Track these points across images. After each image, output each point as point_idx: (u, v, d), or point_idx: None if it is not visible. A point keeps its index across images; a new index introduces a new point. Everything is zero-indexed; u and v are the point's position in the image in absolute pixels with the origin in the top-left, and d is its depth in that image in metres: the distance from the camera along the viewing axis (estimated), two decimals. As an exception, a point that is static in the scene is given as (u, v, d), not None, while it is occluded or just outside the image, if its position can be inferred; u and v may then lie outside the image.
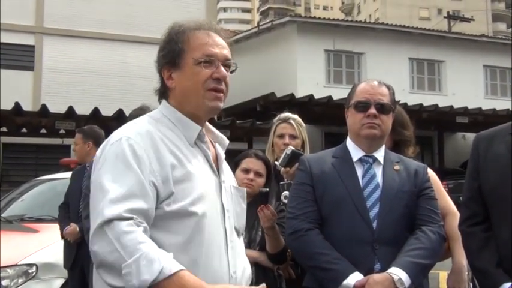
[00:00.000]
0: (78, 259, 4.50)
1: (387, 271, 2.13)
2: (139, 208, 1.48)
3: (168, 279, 1.38)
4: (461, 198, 2.31)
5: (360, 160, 2.37)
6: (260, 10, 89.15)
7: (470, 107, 17.62)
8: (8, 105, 12.97)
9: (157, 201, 1.55)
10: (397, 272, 2.11)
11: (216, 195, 1.70)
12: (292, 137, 3.27)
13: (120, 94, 16.91)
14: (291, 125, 3.30)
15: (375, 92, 2.37)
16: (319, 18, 22.47)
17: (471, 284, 3.64)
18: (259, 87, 18.49)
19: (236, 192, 1.82)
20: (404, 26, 22.71)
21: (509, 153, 2.09)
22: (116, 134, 1.64)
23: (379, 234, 2.21)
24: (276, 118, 3.40)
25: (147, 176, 1.53)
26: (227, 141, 1.88)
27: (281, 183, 2.90)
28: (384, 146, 2.44)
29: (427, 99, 18.27)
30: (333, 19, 25.05)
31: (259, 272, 2.76)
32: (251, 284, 1.80)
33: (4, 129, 14.10)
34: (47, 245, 4.91)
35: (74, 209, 4.68)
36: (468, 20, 32.86)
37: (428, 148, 21.18)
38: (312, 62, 19.69)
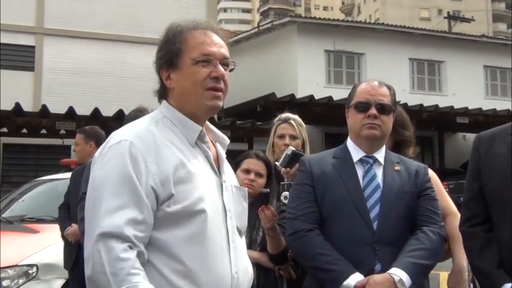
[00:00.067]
0: (79, 260, 4.49)
1: (388, 272, 2.13)
2: (135, 219, 1.49)
3: None
4: (461, 198, 2.31)
5: (361, 160, 2.37)
6: (260, 10, 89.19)
7: (470, 107, 17.62)
8: (8, 106, 12.98)
9: (156, 203, 1.55)
10: (397, 273, 2.11)
11: (217, 195, 1.70)
12: (293, 137, 3.27)
13: (121, 94, 16.91)
14: (292, 125, 3.30)
15: (376, 92, 2.37)
16: (319, 18, 22.47)
17: (471, 285, 3.64)
18: (259, 87, 18.50)
19: (237, 192, 1.82)
20: (404, 27, 22.72)
21: (510, 154, 2.09)
22: (115, 137, 1.63)
23: (380, 234, 2.21)
24: (277, 118, 3.40)
25: (145, 181, 1.54)
26: (228, 141, 1.88)
27: (281, 183, 2.90)
28: (384, 147, 2.44)
29: (428, 100, 18.28)
30: (333, 19, 25.07)
31: (260, 272, 2.76)
32: (252, 285, 1.80)
33: (4, 129, 14.12)
34: (47, 246, 4.90)
35: (74, 210, 4.67)
36: (468, 20, 32.87)
37: (429, 148, 21.18)
38: (312, 63, 19.69)
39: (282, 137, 3.29)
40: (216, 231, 1.63)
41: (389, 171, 2.34)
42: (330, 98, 15.53)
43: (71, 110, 13.34)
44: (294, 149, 2.88)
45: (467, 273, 2.88)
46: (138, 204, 1.52)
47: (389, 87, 2.43)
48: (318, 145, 16.16)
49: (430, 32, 22.72)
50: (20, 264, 4.58)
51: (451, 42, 22.15)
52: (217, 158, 1.79)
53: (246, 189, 1.91)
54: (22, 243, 5.15)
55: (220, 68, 1.71)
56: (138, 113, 3.10)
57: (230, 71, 1.77)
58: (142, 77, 15.15)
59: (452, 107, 17.53)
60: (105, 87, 17.42)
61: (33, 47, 17.44)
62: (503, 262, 2.04)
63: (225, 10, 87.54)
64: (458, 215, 2.54)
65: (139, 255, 1.49)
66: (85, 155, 4.80)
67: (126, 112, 3.79)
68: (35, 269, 4.60)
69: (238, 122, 15.07)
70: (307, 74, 19.33)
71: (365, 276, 2.13)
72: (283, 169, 2.87)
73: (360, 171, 2.34)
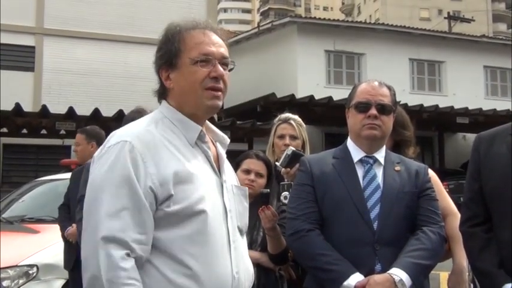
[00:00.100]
0: (79, 260, 4.48)
1: (388, 272, 2.13)
2: (135, 222, 1.50)
3: None
4: (461, 198, 2.31)
5: (361, 161, 2.37)
6: (260, 11, 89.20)
7: (470, 107, 17.61)
8: (8, 106, 12.98)
9: (155, 204, 1.55)
10: (397, 273, 2.11)
11: (217, 195, 1.69)
12: (293, 137, 3.27)
13: (121, 95, 16.91)
14: (292, 125, 3.30)
15: (376, 92, 2.37)
16: (319, 18, 22.47)
17: (472, 285, 3.64)
18: (259, 87, 18.50)
19: (238, 191, 1.81)
20: (404, 27, 22.71)
21: (510, 154, 2.09)
22: (114, 137, 1.63)
23: (380, 235, 2.21)
24: (277, 119, 3.40)
25: (144, 182, 1.54)
26: (228, 140, 1.87)
27: (281, 183, 2.90)
28: (384, 147, 2.44)
29: (428, 100, 18.27)
30: (333, 20, 25.07)
31: (260, 272, 2.76)
32: (253, 285, 1.80)
33: (4, 130, 14.12)
34: (47, 246, 4.90)
35: (74, 210, 4.68)
36: (468, 20, 32.89)
37: (429, 149, 21.18)
38: (312, 63, 19.69)
39: (282, 137, 3.29)
40: (216, 232, 1.63)
41: (389, 172, 2.34)
42: (330, 98, 15.52)
43: (71, 110, 13.34)
44: (294, 149, 2.88)
45: (467, 274, 2.88)
46: (138, 207, 1.52)
47: (389, 88, 2.43)
48: (318, 145, 16.16)
49: (430, 32, 22.72)
50: (20, 264, 4.58)
51: (451, 42, 22.15)
52: (218, 158, 1.79)
53: (247, 188, 1.91)
54: (22, 243, 5.15)
55: (220, 67, 1.71)
56: (137, 114, 3.10)
57: (229, 70, 1.77)
58: (142, 77, 15.16)
59: (452, 107, 17.53)
60: (105, 87, 17.42)
61: (33, 47, 17.44)
62: (504, 262, 2.04)
63: (225, 10, 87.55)
64: (459, 215, 2.54)
65: (138, 260, 1.50)
66: (86, 155, 4.80)
67: (127, 112, 3.79)
68: (35, 269, 4.60)
69: (238, 122, 15.07)
70: (307, 74, 19.33)
71: (365, 276, 2.13)
72: (283, 169, 2.87)
73: (360, 172, 2.34)
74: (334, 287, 2.14)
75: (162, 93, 1.77)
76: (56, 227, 4.83)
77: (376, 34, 20.95)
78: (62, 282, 4.75)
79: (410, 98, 17.17)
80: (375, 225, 2.22)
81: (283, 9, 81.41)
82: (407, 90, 20.32)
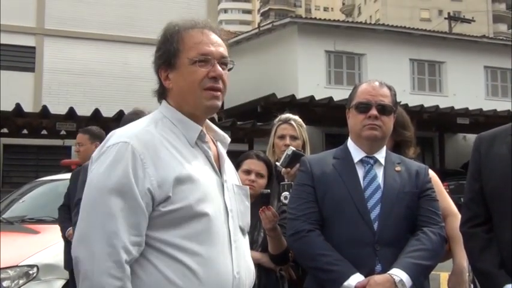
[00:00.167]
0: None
1: (388, 272, 2.13)
2: (131, 224, 1.51)
3: None
4: (462, 199, 2.31)
5: (361, 161, 2.36)
6: (261, 11, 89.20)
7: (471, 108, 17.61)
8: (8, 107, 12.98)
9: (152, 204, 1.55)
10: (398, 273, 2.11)
11: (218, 195, 1.69)
12: (293, 137, 3.26)
13: (121, 95, 16.93)
14: (292, 125, 3.30)
15: (377, 93, 2.37)
16: (319, 19, 22.49)
17: (472, 286, 3.64)
18: (259, 88, 18.50)
19: (239, 191, 1.81)
20: (405, 27, 22.71)
21: (510, 154, 2.09)
22: (113, 137, 1.63)
23: (380, 235, 2.21)
24: (277, 119, 3.39)
25: (142, 183, 1.54)
26: (229, 140, 1.87)
27: (281, 183, 2.89)
28: (385, 147, 2.43)
29: (428, 100, 18.28)
30: (334, 20, 25.10)
31: (261, 273, 2.76)
32: (254, 285, 1.79)
33: (5, 130, 14.12)
34: (47, 246, 4.90)
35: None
36: (469, 21, 32.90)
37: (429, 149, 21.18)
38: (313, 63, 19.69)
39: (282, 137, 3.28)
40: (217, 232, 1.62)
41: (390, 172, 2.34)
42: (331, 98, 15.53)
43: (71, 110, 13.34)
44: (294, 149, 2.88)
45: (467, 274, 2.88)
46: (133, 208, 1.52)
47: (390, 88, 2.43)
48: (318, 146, 16.16)
49: (431, 32, 22.72)
50: (20, 264, 4.58)
51: (451, 42, 22.14)
52: (218, 158, 1.78)
53: (248, 187, 1.91)
54: (22, 243, 5.15)
55: (218, 67, 1.70)
56: (134, 115, 3.10)
57: (229, 70, 1.76)
58: (143, 77, 15.15)
59: (452, 107, 17.53)
60: (105, 87, 17.43)
61: (34, 47, 17.45)
62: (504, 262, 2.03)
63: (225, 11, 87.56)
64: (459, 216, 2.54)
65: (131, 261, 1.51)
66: (89, 155, 4.76)
67: (127, 113, 3.79)
68: (35, 269, 4.60)
69: (238, 122, 15.07)
70: (307, 74, 19.33)
71: (365, 276, 2.13)
72: (283, 169, 2.87)
73: (360, 172, 2.34)
74: (335, 288, 2.14)
75: (162, 93, 1.76)
76: (56, 228, 4.83)
77: (377, 34, 20.95)
78: (62, 282, 4.75)
79: (411, 98, 17.17)
80: (375, 225, 2.22)
81: (283, 10, 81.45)
82: (407, 91, 20.32)
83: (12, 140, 15.34)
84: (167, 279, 1.53)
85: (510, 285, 1.99)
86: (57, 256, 4.71)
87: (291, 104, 14.14)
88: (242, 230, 1.76)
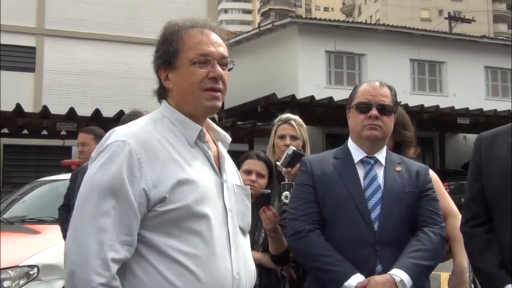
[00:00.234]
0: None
1: (389, 272, 2.12)
2: (122, 224, 1.50)
3: None
4: (462, 199, 2.31)
5: (362, 161, 2.36)
6: (261, 11, 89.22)
7: (471, 108, 17.62)
8: (9, 107, 12.99)
9: (147, 205, 1.54)
10: (398, 274, 2.11)
11: (217, 196, 1.68)
12: (293, 137, 3.26)
13: (121, 95, 16.94)
14: (292, 125, 3.30)
15: (377, 93, 2.36)
16: (320, 19, 22.50)
17: (472, 286, 3.63)
18: (260, 88, 18.52)
19: (240, 191, 1.80)
20: (405, 27, 22.71)
21: (511, 154, 2.09)
22: (112, 135, 1.62)
23: (381, 235, 2.20)
24: (277, 119, 3.39)
25: (137, 183, 1.53)
26: (230, 139, 1.86)
27: (282, 183, 2.89)
28: (385, 147, 2.43)
29: (428, 100, 18.29)
30: (334, 20, 25.09)
31: (262, 273, 2.76)
32: (255, 285, 1.79)
33: (5, 130, 14.13)
34: (48, 247, 4.90)
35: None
36: (469, 21, 32.91)
37: (430, 149, 21.19)
38: (313, 63, 19.70)
39: (282, 137, 3.28)
40: (216, 232, 1.62)
41: (390, 172, 2.34)
42: (331, 98, 15.53)
43: (71, 110, 13.35)
44: (294, 148, 2.88)
45: (468, 274, 2.88)
46: (126, 208, 1.51)
47: (390, 88, 2.43)
48: (319, 146, 16.18)
49: (431, 32, 22.72)
50: (20, 265, 4.58)
51: (451, 43, 22.15)
52: (218, 157, 1.77)
53: (249, 187, 1.90)
54: (23, 244, 5.15)
55: (218, 68, 1.69)
56: (133, 116, 3.10)
57: (229, 70, 1.74)
58: (143, 77, 15.16)
59: (453, 107, 17.54)
60: (106, 88, 17.44)
61: (34, 48, 17.45)
62: (505, 263, 2.03)
63: (225, 11, 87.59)
64: (459, 216, 2.54)
65: (121, 261, 1.51)
66: None
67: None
68: (35, 269, 4.60)
69: (239, 122, 15.08)
70: (307, 74, 19.34)
71: (366, 277, 2.13)
72: (284, 169, 2.87)
73: (360, 172, 2.34)
74: (335, 288, 2.14)
75: (162, 93, 1.76)
76: (57, 228, 4.83)
77: (377, 35, 20.95)
78: (62, 282, 4.74)
79: (411, 98, 17.20)
80: (376, 225, 2.22)
81: (283, 10, 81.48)
82: (408, 91, 20.33)
83: (13, 140, 15.35)
84: (166, 280, 1.52)
85: (511, 285, 1.98)
86: (57, 256, 4.70)
87: (291, 104, 14.15)
88: (242, 230, 1.75)
